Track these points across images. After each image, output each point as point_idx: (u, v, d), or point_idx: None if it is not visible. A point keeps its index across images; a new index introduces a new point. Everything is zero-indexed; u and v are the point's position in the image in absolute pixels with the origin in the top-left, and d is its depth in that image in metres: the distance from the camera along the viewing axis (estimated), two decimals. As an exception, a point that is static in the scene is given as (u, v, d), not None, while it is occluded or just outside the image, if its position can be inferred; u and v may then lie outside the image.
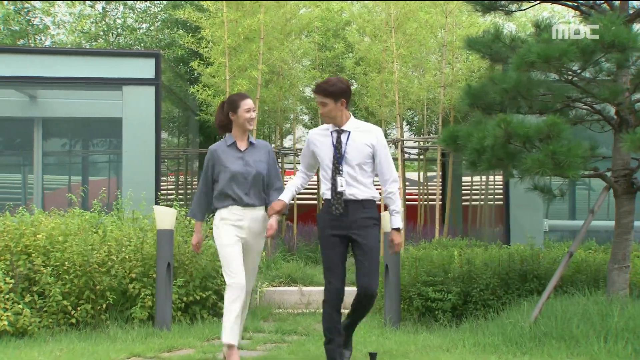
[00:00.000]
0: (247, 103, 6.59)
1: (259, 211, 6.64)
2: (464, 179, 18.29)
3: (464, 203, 18.60)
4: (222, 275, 9.56)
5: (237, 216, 6.53)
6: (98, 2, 28.88)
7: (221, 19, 13.51)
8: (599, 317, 7.40)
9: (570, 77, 8.09)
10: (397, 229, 6.23)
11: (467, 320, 8.83)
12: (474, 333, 7.98)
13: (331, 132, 6.19)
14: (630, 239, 8.36)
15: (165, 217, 8.81)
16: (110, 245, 9.09)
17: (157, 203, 13.01)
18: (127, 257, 9.04)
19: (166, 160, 17.47)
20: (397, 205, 6.21)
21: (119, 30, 28.86)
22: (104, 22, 28.51)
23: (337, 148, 6.12)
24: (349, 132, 6.15)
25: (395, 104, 13.93)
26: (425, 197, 17.69)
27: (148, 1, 28.45)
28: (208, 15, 14.25)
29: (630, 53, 7.60)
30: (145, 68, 13.58)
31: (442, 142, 8.59)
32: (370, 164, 6.18)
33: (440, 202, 15.68)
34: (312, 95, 20.90)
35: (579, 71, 8.21)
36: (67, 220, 9.47)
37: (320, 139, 6.26)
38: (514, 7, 9.00)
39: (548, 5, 12.31)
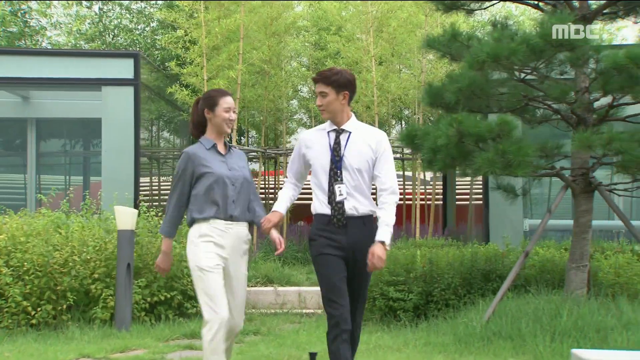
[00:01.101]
0: (228, 101, 5.48)
1: (243, 228, 5.45)
2: (459, 178, 18.28)
3: (458, 203, 18.60)
4: (187, 275, 9.61)
5: (219, 232, 5.32)
6: (94, 2, 28.96)
7: (198, 19, 13.53)
8: (548, 316, 7.39)
9: (523, 76, 8.06)
10: (382, 242, 4.99)
11: (428, 319, 8.83)
12: (428, 333, 7.98)
13: (328, 133, 5.23)
14: (588, 238, 8.34)
15: (126, 217, 8.83)
16: (72, 245, 9.10)
17: (136, 202, 13.09)
18: (90, 257, 9.05)
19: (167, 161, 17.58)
20: (390, 217, 5.07)
21: (115, 31, 28.98)
22: (100, 24, 28.59)
23: (335, 150, 5.15)
24: (350, 133, 5.20)
25: (373, 104, 13.92)
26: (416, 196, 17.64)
27: (143, 2, 28.55)
28: (188, 16, 14.28)
29: (581, 51, 7.55)
30: (124, 68, 13.65)
31: (401, 141, 8.59)
32: (371, 171, 5.19)
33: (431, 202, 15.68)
34: (309, 93, 20.95)
35: (541, 70, 8.19)
36: (31, 221, 9.50)
37: (314, 139, 5.27)
38: (476, 5, 8.98)
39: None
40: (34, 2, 28.10)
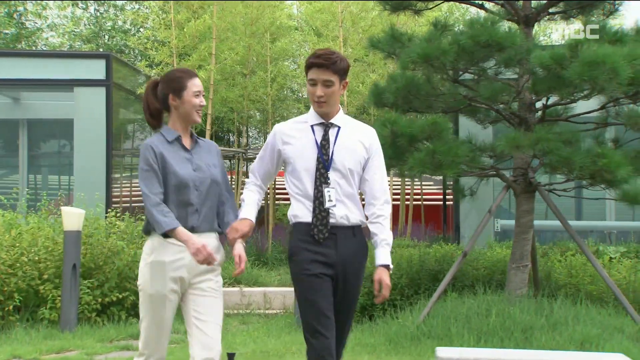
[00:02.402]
0: (197, 84, 4.42)
1: (209, 239, 4.37)
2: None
3: (448, 203, 18.61)
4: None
5: (175, 250, 4.27)
6: (89, 1, 29.11)
7: (166, 19, 13.58)
8: (479, 317, 7.39)
9: (460, 74, 8.07)
10: (386, 267, 4.31)
11: (374, 320, 8.83)
12: (364, 333, 7.99)
13: (312, 127, 4.36)
14: (528, 239, 8.33)
15: (72, 218, 8.86)
16: (22, 246, 9.15)
17: (108, 203, 13.19)
18: (39, 258, 9.10)
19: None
20: (389, 233, 4.36)
21: (111, 32, 29.11)
22: (97, 24, 28.74)
23: (324, 147, 4.30)
24: (339, 128, 4.35)
25: (344, 104, 13.93)
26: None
27: (136, 2, 28.67)
28: (159, 17, 14.36)
29: (512, 51, 7.54)
30: (96, 69, 13.77)
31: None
32: (360, 174, 4.40)
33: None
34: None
35: (475, 70, 8.19)
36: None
37: (295, 134, 4.39)
38: (422, 5, 8.99)
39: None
40: (29, 3, 28.23)
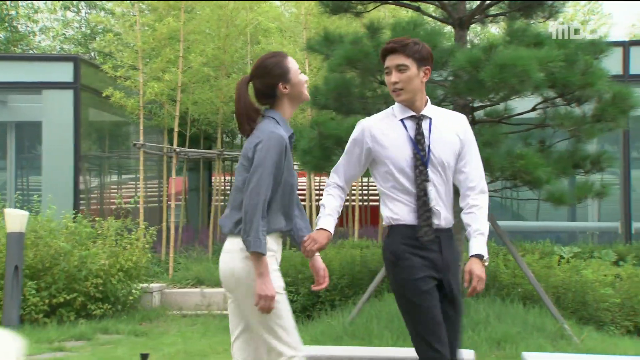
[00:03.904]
0: (293, 60, 4.05)
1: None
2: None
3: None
4: (88, 277, 9.68)
5: (278, 248, 4.00)
6: (80, 1, 29.22)
7: (131, 21, 13.68)
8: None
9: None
10: (480, 257, 3.92)
11: (314, 320, 8.92)
12: (294, 333, 8.06)
13: (402, 121, 4.02)
14: (460, 239, 8.36)
15: (15, 219, 8.97)
16: (-31, 249, 9.30)
17: (77, 205, 13.31)
18: (-14, 260, 9.24)
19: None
20: (484, 224, 4.03)
21: (101, 35, 29.22)
22: (87, 28, 28.87)
23: (419, 142, 3.96)
24: (430, 119, 4.02)
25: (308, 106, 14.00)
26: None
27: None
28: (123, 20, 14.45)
29: (438, 54, 7.58)
30: (64, 72, 13.89)
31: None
32: (453, 167, 4.06)
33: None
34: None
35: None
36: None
37: (385, 130, 4.03)
38: (361, 8, 9.04)
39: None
40: (21, 4, 28.35)
